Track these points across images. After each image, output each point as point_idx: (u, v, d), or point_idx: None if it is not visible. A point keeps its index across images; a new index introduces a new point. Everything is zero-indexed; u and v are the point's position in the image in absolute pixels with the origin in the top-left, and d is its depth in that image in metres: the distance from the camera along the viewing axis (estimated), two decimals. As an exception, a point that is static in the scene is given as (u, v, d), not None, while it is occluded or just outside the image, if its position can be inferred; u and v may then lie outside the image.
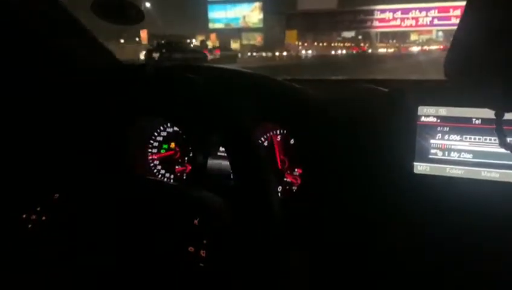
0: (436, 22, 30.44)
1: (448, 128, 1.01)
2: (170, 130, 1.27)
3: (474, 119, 0.99)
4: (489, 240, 0.97)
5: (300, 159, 1.12)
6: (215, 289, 0.70)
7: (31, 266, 0.79)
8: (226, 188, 0.74)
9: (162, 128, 1.28)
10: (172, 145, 1.27)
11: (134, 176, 1.03)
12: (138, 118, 1.20)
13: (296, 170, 1.15)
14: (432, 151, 1.03)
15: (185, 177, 1.24)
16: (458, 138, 1.01)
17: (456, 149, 1.02)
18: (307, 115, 1.08)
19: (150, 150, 1.29)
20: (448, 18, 28.85)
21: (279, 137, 1.17)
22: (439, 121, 1.02)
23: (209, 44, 42.75)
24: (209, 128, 1.08)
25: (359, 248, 1.10)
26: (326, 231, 1.07)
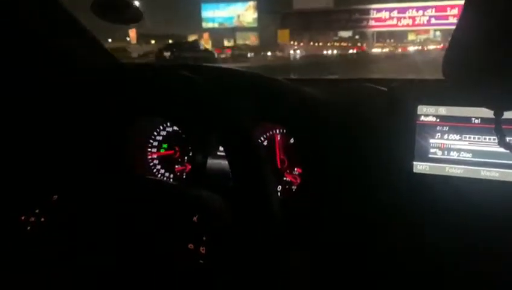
0: (433, 21, 30.53)
1: (447, 127, 1.03)
2: (170, 129, 1.29)
3: (473, 119, 1.00)
4: (488, 240, 0.99)
5: (300, 158, 1.14)
6: (215, 286, 0.71)
7: (31, 267, 0.80)
8: (225, 188, 0.75)
9: (161, 127, 1.29)
10: (172, 145, 1.28)
11: (133, 175, 1.04)
12: (138, 118, 1.21)
13: (295, 169, 1.16)
14: (432, 150, 1.05)
15: (184, 177, 1.25)
16: (458, 137, 1.02)
17: (456, 148, 1.03)
18: (307, 114, 1.09)
19: (149, 150, 1.31)
20: (446, 17, 28.94)
21: (278, 136, 1.18)
22: (438, 120, 1.03)
23: (202, 44, 42.78)
24: (208, 127, 1.09)
25: (359, 248, 1.11)
26: (326, 231, 1.08)
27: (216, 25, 43.66)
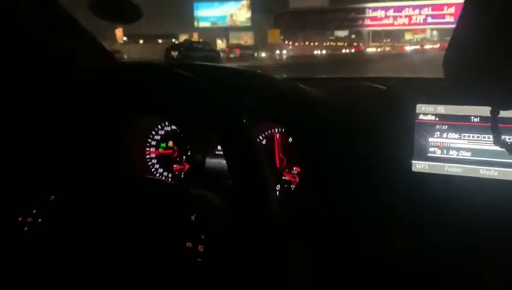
0: (429, 20, 30.56)
1: (446, 126, 1.04)
2: (168, 128, 1.30)
3: (472, 117, 1.01)
4: (487, 238, 1.00)
5: (299, 157, 1.15)
6: (214, 284, 0.73)
7: (29, 267, 0.81)
8: (224, 187, 0.76)
9: (159, 127, 1.30)
10: (170, 144, 1.29)
11: (131, 174, 1.05)
12: (136, 117, 1.22)
13: (294, 168, 1.18)
14: (431, 149, 1.06)
15: (182, 176, 1.26)
16: (457, 136, 1.03)
17: (455, 147, 1.04)
18: (305, 113, 1.10)
19: (147, 149, 1.32)
20: (442, 16, 28.95)
21: (277, 135, 1.19)
22: (437, 119, 1.04)
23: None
24: (206, 127, 1.10)
25: (358, 247, 1.12)
26: (325, 230, 1.09)
27: (209, 24, 43.60)
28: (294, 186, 1.17)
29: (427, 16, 30.28)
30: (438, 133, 1.05)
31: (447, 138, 1.05)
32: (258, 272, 0.71)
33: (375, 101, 1.13)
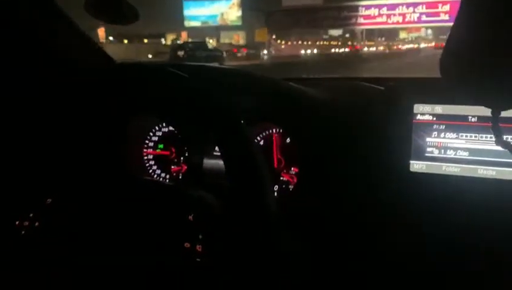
0: (424, 18, 30.50)
1: (444, 126, 1.05)
2: (165, 130, 1.31)
3: (470, 117, 1.03)
4: (485, 238, 1.01)
5: (297, 158, 1.17)
6: (213, 283, 0.75)
7: (28, 269, 0.82)
8: (222, 188, 0.78)
9: (157, 128, 1.32)
10: (168, 145, 1.31)
11: (128, 176, 1.06)
12: (133, 118, 1.24)
13: (292, 169, 1.19)
14: (428, 149, 1.07)
15: (180, 177, 1.28)
16: (454, 135, 1.05)
17: (452, 147, 1.06)
18: (303, 114, 1.12)
19: (145, 150, 1.33)
20: (437, 14, 28.90)
21: (275, 136, 1.21)
22: (435, 119, 1.06)
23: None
24: (204, 127, 1.11)
25: (357, 247, 1.13)
26: (324, 230, 1.11)
27: (199, 24, 43.45)
28: (292, 186, 1.19)
29: (421, 13, 30.19)
30: (436, 133, 1.07)
31: (444, 137, 1.06)
32: (256, 272, 0.73)
33: (373, 101, 1.15)
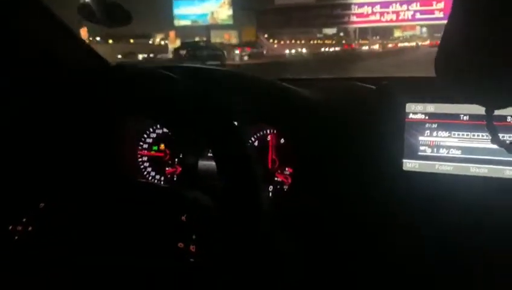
0: (418, 16, 30.53)
1: (436, 124, 1.07)
2: (160, 131, 1.32)
3: (462, 116, 1.04)
4: (477, 236, 1.03)
5: (291, 158, 1.18)
6: (207, 284, 0.76)
7: (22, 272, 0.83)
8: (217, 189, 0.80)
9: (151, 129, 1.33)
10: (162, 146, 1.32)
11: (121, 177, 1.08)
12: (127, 120, 1.25)
13: (286, 169, 1.21)
14: (421, 148, 1.09)
15: (175, 179, 1.29)
16: (447, 134, 1.07)
17: (445, 146, 1.07)
18: (296, 114, 1.14)
19: (139, 152, 1.35)
20: (431, 12, 28.91)
21: (269, 137, 1.22)
22: (427, 117, 1.08)
23: (169, 44, 42.26)
24: (196, 129, 1.13)
25: (351, 247, 1.15)
26: (319, 230, 1.13)
27: (189, 23, 43.36)
28: (287, 187, 1.21)
29: (415, 11, 30.21)
30: (428, 131, 1.08)
31: (437, 136, 1.08)
32: (250, 272, 0.75)
33: (365, 100, 1.17)
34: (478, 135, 1.05)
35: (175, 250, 0.77)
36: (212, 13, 42.27)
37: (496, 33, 0.53)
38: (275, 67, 20.64)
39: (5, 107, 0.94)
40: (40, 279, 0.82)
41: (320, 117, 1.15)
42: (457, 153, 1.07)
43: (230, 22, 43.05)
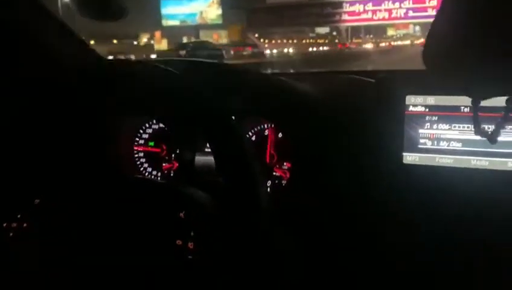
0: (410, 13, 30.61)
1: (436, 117, 1.08)
2: (156, 126, 1.33)
3: (462, 107, 1.05)
4: (479, 229, 1.04)
5: (289, 152, 1.19)
6: (205, 281, 0.77)
7: (18, 272, 0.83)
8: (214, 185, 0.80)
9: (147, 125, 1.34)
10: (159, 142, 1.33)
11: (118, 174, 1.08)
12: (123, 116, 1.26)
13: (285, 164, 1.22)
14: (421, 141, 1.10)
15: (172, 175, 1.30)
16: (447, 126, 1.08)
17: (445, 138, 1.08)
18: (295, 108, 1.15)
19: (135, 148, 1.35)
20: (424, 9, 29.02)
21: (268, 131, 1.23)
22: (427, 110, 1.09)
23: (155, 44, 42.12)
24: (193, 124, 1.13)
25: (350, 242, 1.16)
26: (318, 225, 1.14)
27: (177, 23, 43.29)
28: (285, 182, 1.21)
29: (408, 9, 30.27)
30: (428, 124, 1.09)
31: (437, 129, 1.09)
32: (250, 269, 0.76)
33: (364, 94, 1.18)
34: None
35: (173, 247, 0.78)
36: (201, 13, 42.23)
37: (481, 25, 0.54)
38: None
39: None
40: (36, 276, 0.82)
41: (318, 111, 1.16)
42: (457, 146, 1.08)
43: (220, 21, 43.05)
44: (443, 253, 1.10)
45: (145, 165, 1.35)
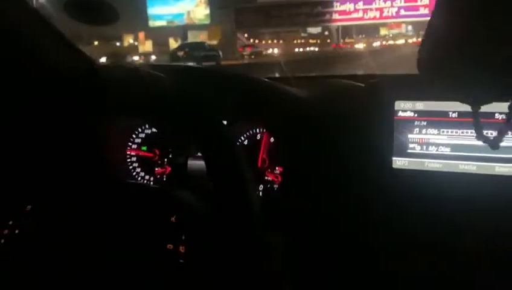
0: (402, 12, 30.53)
1: (425, 122, 1.11)
2: (149, 131, 1.35)
3: (451, 113, 1.09)
4: (467, 233, 1.07)
5: (281, 157, 1.22)
6: (197, 285, 0.79)
7: (11, 277, 0.85)
8: (207, 189, 0.82)
9: (140, 129, 1.36)
10: (151, 147, 1.35)
11: (110, 179, 1.10)
12: (115, 120, 1.28)
13: (276, 168, 1.25)
14: (410, 145, 1.13)
15: (165, 179, 1.32)
16: (436, 131, 1.11)
17: (434, 143, 1.12)
18: (286, 113, 1.17)
19: (128, 153, 1.37)
20: (416, 8, 28.95)
21: (259, 136, 1.26)
22: (416, 115, 1.12)
23: (139, 46, 41.70)
24: (185, 128, 1.15)
25: (341, 245, 1.19)
26: (309, 229, 1.17)
27: (164, 23, 42.96)
28: (277, 186, 1.24)
29: (399, 8, 30.22)
30: (417, 129, 1.13)
31: (426, 134, 1.12)
32: (240, 272, 0.78)
33: (354, 98, 1.21)
34: (467, 132, 1.09)
35: (164, 251, 0.80)
36: (189, 13, 41.89)
37: (479, 31, 0.56)
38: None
39: None
40: (28, 282, 0.84)
41: (308, 115, 1.19)
42: (446, 151, 1.11)
43: (208, 21, 42.73)
44: (432, 256, 1.12)
45: (138, 169, 1.38)
